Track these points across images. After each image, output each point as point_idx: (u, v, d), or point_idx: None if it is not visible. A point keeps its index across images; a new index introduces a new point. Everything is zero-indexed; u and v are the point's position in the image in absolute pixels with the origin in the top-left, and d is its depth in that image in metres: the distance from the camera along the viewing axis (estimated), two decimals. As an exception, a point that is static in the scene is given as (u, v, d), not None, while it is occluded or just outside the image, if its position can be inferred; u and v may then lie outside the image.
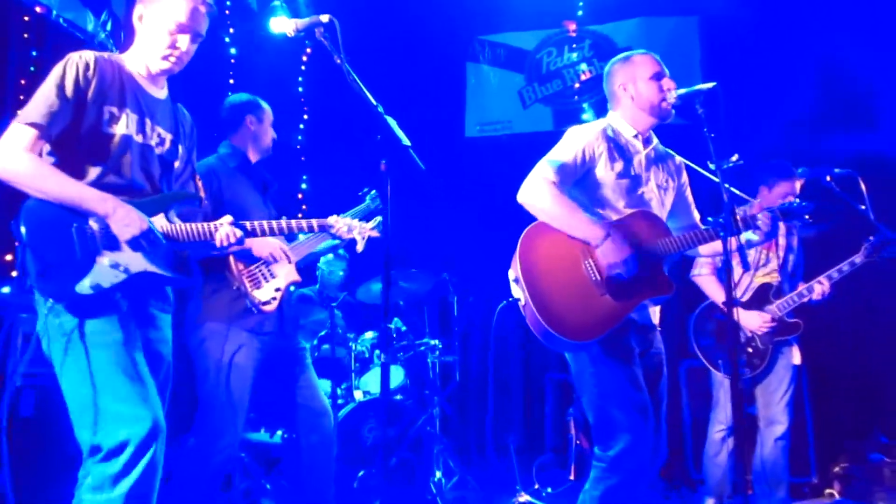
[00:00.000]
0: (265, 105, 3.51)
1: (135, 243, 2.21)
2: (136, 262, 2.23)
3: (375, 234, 2.99)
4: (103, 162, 2.28)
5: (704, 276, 4.20)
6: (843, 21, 5.69)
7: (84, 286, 2.11)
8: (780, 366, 4.11)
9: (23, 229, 2.11)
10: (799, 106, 5.80)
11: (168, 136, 2.48)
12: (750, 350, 4.08)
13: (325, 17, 2.15)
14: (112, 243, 2.20)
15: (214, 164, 3.30)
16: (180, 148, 2.55)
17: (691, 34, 6.46)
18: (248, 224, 2.50)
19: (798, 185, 4.06)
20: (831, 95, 5.71)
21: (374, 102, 2.12)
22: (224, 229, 2.40)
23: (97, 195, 2.19)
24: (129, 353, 2.16)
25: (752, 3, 6.00)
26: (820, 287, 3.99)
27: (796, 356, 4.15)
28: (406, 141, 2.09)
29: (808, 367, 5.13)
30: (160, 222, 2.32)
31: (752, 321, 4.05)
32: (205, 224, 2.39)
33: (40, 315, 2.18)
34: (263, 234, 2.60)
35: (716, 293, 4.15)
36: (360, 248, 2.92)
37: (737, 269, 4.12)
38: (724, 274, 4.08)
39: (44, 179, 2.15)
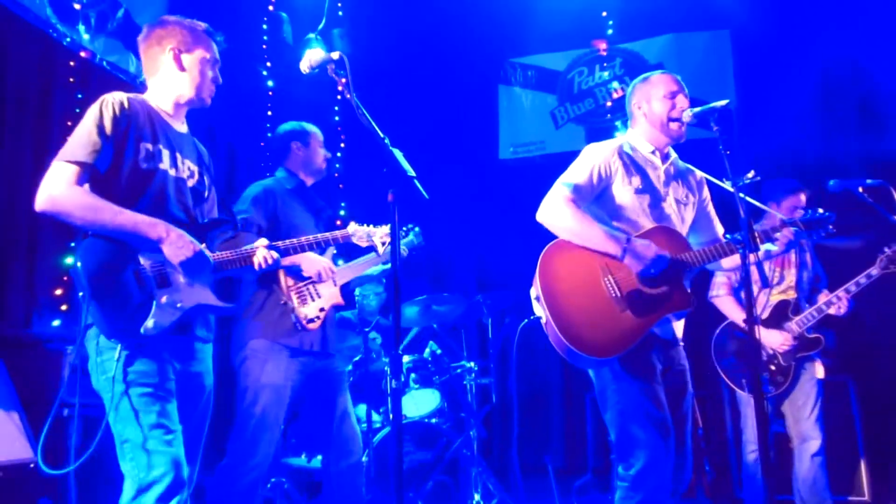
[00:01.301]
0: (311, 128, 3.63)
1: (188, 265, 2.29)
2: (189, 296, 2.33)
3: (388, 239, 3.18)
4: (144, 197, 2.37)
5: (722, 297, 4.22)
6: (876, 30, 5.58)
7: (148, 326, 2.21)
8: (805, 381, 4.08)
9: (80, 273, 2.18)
10: (832, 116, 5.70)
11: (196, 169, 2.60)
12: (773, 368, 4.07)
13: (335, 55, 2.23)
14: (164, 281, 2.29)
15: (272, 185, 3.44)
16: (206, 179, 2.66)
17: (723, 48, 6.41)
18: (280, 244, 2.64)
19: (803, 197, 4.09)
20: (865, 105, 5.60)
21: (382, 135, 2.18)
22: (261, 253, 2.54)
23: (149, 221, 2.27)
24: (163, 398, 2.25)
25: (783, 14, 5.94)
26: (838, 302, 3.98)
27: (819, 370, 4.12)
28: (411, 172, 2.15)
29: (857, 383, 5.01)
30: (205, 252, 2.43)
31: (774, 339, 4.04)
32: (242, 249, 2.53)
33: (91, 354, 2.26)
34: (295, 251, 2.75)
35: (734, 313, 4.17)
36: (381, 251, 3.14)
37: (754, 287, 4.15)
38: (742, 293, 4.15)
39: (97, 211, 2.21)
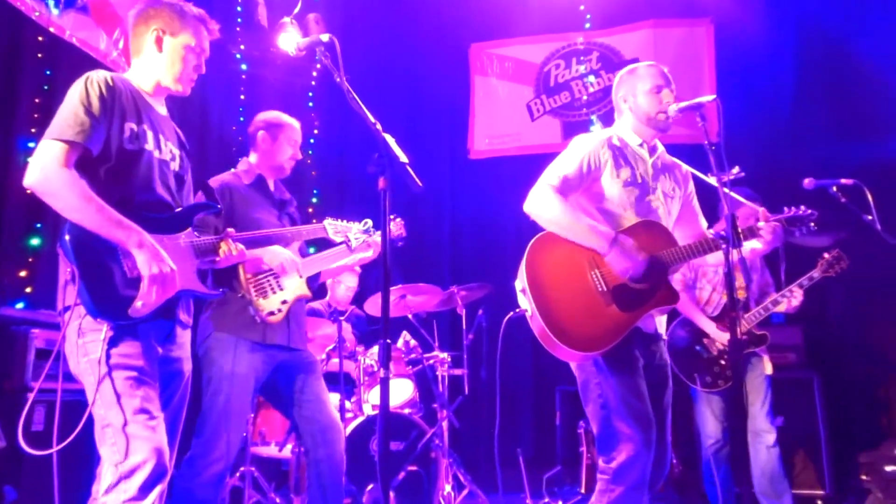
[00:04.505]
0: (286, 121, 3.47)
1: (154, 280, 2.15)
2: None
3: (362, 236, 3.29)
4: (131, 179, 2.30)
5: None
6: (858, 26, 5.67)
7: (137, 307, 2.14)
8: (754, 377, 4.28)
9: (69, 249, 2.10)
10: (810, 114, 5.78)
11: (177, 153, 2.53)
12: (722, 363, 4.26)
13: (325, 37, 2.17)
14: None
15: (229, 179, 3.32)
16: (186, 163, 2.59)
17: (699, 43, 6.47)
18: (245, 234, 2.62)
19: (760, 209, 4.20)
20: (843, 103, 5.69)
21: (373, 120, 2.14)
22: (225, 245, 2.49)
23: (127, 226, 2.15)
24: (147, 382, 2.19)
25: (766, 6, 6.02)
26: (786, 300, 4.14)
27: (768, 367, 4.31)
28: (404, 158, 2.11)
29: (822, 380, 5.11)
30: (190, 238, 2.38)
31: (724, 336, 4.20)
32: (206, 240, 2.47)
33: (71, 336, 2.18)
34: (262, 243, 2.71)
35: (688, 310, 4.34)
36: (354, 245, 3.19)
37: (706, 288, 4.41)
38: (691, 291, 4.36)
39: (85, 200, 2.11)
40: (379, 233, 3.45)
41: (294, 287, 3.22)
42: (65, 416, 2.12)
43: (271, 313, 3.11)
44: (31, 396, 2.25)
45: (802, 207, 2.82)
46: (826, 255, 4.07)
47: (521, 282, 2.74)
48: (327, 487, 3.14)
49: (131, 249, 2.14)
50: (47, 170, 2.13)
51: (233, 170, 3.43)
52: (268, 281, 3.15)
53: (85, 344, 2.16)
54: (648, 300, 2.69)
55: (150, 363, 2.23)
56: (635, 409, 2.60)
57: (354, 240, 3.29)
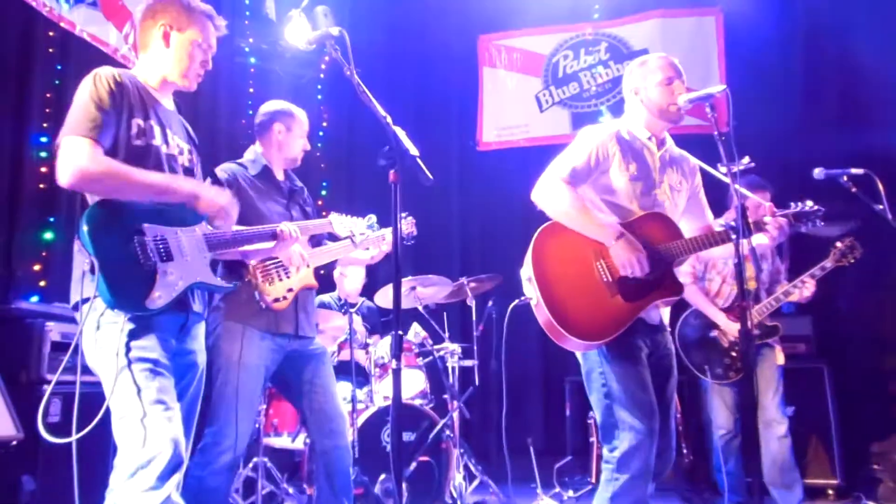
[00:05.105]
0: (298, 114, 3.48)
1: (224, 213, 2.35)
2: (190, 272, 2.29)
3: (367, 231, 3.31)
4: None
5: (687, 286, 4.29)
6: (866, 15, 5.64)
7: (153, 299, 2.16)
8: (765, 368, 4.28)
9: (88, 241, 2.13)
10: (819, 104, 5.76)
11: (186, 147, 2.55)
12: (733, 354, 4.26)
13: (335, 30, 2.19)
14: (167, 255, 2.24)
15: (236, 169, 3.32)
16: (195, 157, 2.62)
17: (708, 33, 6.45)
18: (255, 230, 2.71)
19: (768, 196, 4.18)
20: (852, 92, 5.67)
21: (383, 113, 2.15)
22: (287, 226, 2.84)
23: (179, 177, 2.28)
24: (162, 374, 2.21)
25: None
26: (797, 290, 4.16)
27: (780, 357, 4.32)
28: (414, 151, 2.12)
29: (832, 370, 5.11)
30: (204, 230, 2.41)
31: (735, 328, 4.20)
32: (259, 227, 2.64)
33: (86, 329, 2.21)
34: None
35: (698, 301, 4.36)
36: (357, 241, 3.25)
37: (716, 279, 4.42)
38: (705, 283, 4.37)
39: (128, 174, 2.19)
40: (388, 230, 3.47)
41: (301, 276, 3.24)
42: (81, 407, 2.15)
43: (276, 300, 3.12)
44: (48, 388, 2.26)
45: (809, 203, 2.80)
46: (839, 245, 4.04)
47: (527, 271, 2.76)
48: (334, 477, 3.15)
49: (193, 196, 2.32)
50: (78, 162, 2.17)
51: (239, 160, 3.42)
52: (275, 267, 3.17)
53: (101, 336, 2.19)
54: (652, 291, 2.70)
55: (164, 355, 2.25)
56: (638, 399, 2.62)
57: (359, 235, 3.30)
